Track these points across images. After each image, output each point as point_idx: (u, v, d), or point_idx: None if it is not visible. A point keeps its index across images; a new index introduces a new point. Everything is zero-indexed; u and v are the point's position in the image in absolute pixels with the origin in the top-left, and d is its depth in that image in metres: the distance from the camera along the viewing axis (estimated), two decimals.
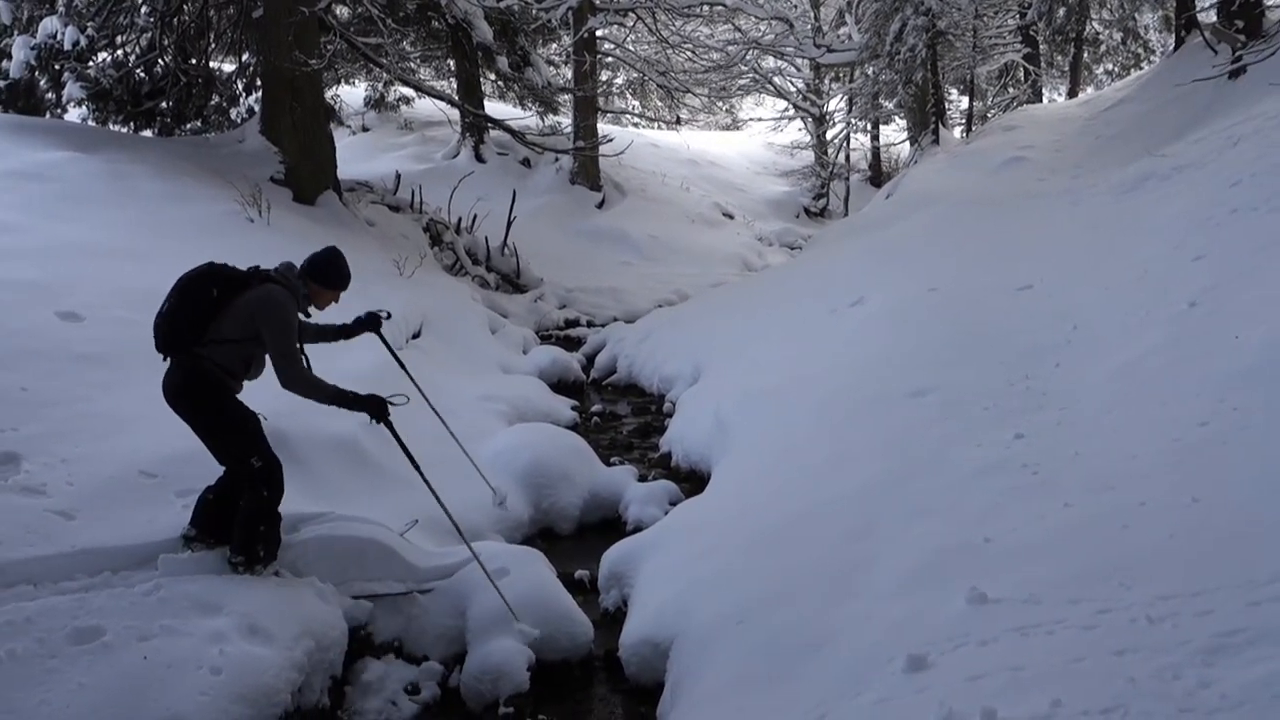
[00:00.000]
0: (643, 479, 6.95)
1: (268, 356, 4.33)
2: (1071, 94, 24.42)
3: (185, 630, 3.75)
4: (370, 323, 5.03)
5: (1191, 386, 4.39)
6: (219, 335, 4.23)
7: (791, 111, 26.62)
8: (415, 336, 9.17)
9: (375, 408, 4.38)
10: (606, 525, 6.44)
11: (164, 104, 13.21)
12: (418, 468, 4.54)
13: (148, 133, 13.37)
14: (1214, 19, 12.18)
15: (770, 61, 24.47)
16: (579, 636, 4.62)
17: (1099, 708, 2.50)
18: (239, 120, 13.95)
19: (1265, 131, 7.54)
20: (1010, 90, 23.04)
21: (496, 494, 5.94)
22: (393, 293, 9.26)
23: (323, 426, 5.58)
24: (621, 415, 9.36)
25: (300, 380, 4.25)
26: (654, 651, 4.28)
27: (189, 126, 13.76)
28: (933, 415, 5.23)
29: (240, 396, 4.39)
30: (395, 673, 4.44)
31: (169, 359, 4.29)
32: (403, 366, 5.50)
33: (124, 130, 12.98)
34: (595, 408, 9.48)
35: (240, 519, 4.31)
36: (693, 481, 6.85)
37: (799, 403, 6.36)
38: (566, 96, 19.81)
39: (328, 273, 4.55)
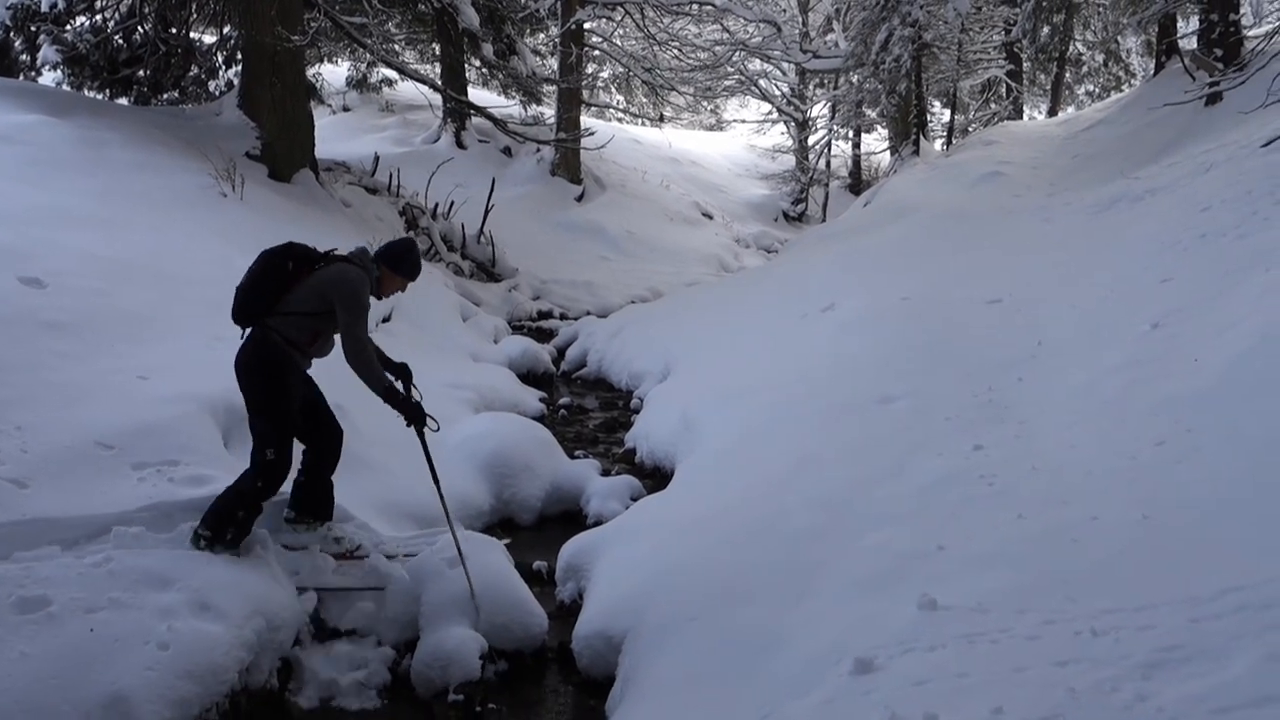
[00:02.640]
0: (606, 473, 6.95)
1: (336, 337, 4.48)
2: (1052, 112, 24.69)
3: (134, 604, 3.70)
4: (402, 372, 4.92)
5: (1149, 406, 4.45)
6: (288, 308, 4.41)
7: (775, 115, 26.71)
8: (385, 320, 9.10)
9: (415, 415, 4.52)
10: (567, 518, 6.44)
11: (141, 72, 13.02)
12: (436, 479, 4.70)
13: (123, 100, 13.17)
14: (1195, 46, 12.34)
15: (756, 64, 24.51)
16: (533, 627, 4.61)
17: (1038, 716, 2.53)
18: (217, 93, 13.77)
19: (1237, 159, 7.65)
20: (992, 105, 23.25)
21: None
22: None
23: None
24: (589, 409, 9.36)
25: (363, 360, 4.37)
26: (607, 645, 4.29)
27: (165, 96, 13.58)
28: (898, 423, 5.28)
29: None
30: (346, 655, 4.42)
31: (244, 330, 4.48)
32: (424, 443, 5.16)
33: (99, 97, 12.79)
34: (563, 400, 9.47)
35: (224, 496, 4.33)
36: (656, 478, 6.86)
37: (766, 405, 6.39)
38: (551, 87, 19.74)
39: (402, 260, 4.69)
